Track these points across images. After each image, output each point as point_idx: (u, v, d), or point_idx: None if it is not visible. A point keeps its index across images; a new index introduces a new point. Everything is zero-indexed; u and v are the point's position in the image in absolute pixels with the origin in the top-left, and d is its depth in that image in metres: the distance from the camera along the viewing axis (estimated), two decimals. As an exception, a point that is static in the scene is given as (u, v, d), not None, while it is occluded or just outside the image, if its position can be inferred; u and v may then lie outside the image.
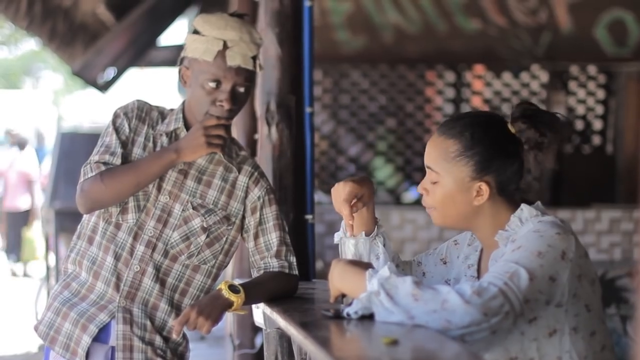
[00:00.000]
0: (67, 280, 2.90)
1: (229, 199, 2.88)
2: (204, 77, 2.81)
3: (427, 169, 2.43)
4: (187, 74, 2.87)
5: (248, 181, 2.90)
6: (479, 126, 2.39)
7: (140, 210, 2.85)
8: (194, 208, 2.84)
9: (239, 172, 2.90)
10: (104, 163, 2.86)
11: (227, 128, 2.87)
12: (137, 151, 2.89)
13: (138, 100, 2.97)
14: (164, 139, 2.90)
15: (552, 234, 2.23)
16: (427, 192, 2.41)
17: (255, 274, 2.91)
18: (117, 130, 2.90)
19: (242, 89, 2.84)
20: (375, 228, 2.63)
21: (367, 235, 2.60)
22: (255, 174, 2.92)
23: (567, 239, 2.24)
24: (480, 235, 2.43)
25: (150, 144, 2.89)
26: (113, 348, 2.81)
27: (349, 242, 2.56)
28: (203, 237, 2.84)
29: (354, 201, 2.55)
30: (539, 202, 2.40)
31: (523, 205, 2.35)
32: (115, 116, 2.92)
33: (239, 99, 2.85)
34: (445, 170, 2.38)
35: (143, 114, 2.93)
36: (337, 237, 2.66)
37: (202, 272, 2.87)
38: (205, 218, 2.84)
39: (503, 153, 2.38)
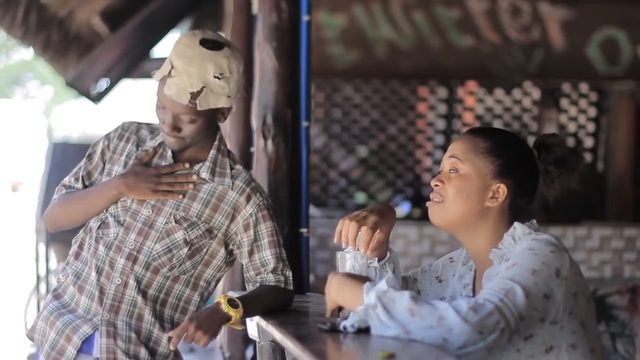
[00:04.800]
0: (58, 291, 2.91)
1: (213, 212, 2.84)
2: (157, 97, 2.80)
3: (450, 160, 2.42)
4: None
5: (239, 197, 2.85)
6: (513, 135, 2.47)
7: (120, 225, 2.84)
8: (176, 221, 2.82)
9: (231, 188, 2.86)
10: (66, 187, 2.94)
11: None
12: (118, 170, 2.89)
13: (125, 121, 2.98)
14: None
15: (547, 252, 2.24)
16: (442, 184, 2.41)
17: (250, 287, 2.91)
18: (89, 155, 2.96)
19: (186, 120, 2.75)
20: (388, 253, 2.63)
21: (379, 260, 2.61)
22: (247, 189, 2.86)
23: (561, 257, 2.24)
24: (474, 248, 2.42)
25: (131, 162, 2.89)
26: (98, 359, 2.81)
27: (346, 256, 2.55)
28: (185, 249, 2.82)
29: (377, 232, 2.56)
30: (534, 221, 2.40)
31: (516, 224, 2.36)
32: (97, 141, 2.96)
33: (185, 129, 2.77)
34: (471, 162, 2.39)
35: (127, 133, 2.94)
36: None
37: (180, 281, 2.85)
38: (187, 231, 2.82)
39: (529, 166, 2.43)
